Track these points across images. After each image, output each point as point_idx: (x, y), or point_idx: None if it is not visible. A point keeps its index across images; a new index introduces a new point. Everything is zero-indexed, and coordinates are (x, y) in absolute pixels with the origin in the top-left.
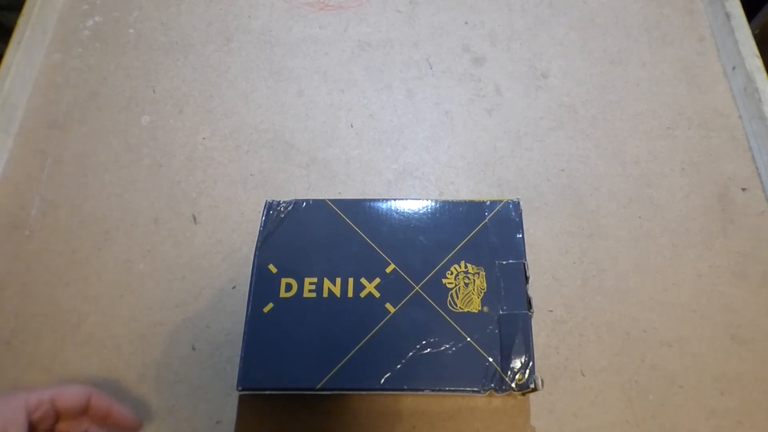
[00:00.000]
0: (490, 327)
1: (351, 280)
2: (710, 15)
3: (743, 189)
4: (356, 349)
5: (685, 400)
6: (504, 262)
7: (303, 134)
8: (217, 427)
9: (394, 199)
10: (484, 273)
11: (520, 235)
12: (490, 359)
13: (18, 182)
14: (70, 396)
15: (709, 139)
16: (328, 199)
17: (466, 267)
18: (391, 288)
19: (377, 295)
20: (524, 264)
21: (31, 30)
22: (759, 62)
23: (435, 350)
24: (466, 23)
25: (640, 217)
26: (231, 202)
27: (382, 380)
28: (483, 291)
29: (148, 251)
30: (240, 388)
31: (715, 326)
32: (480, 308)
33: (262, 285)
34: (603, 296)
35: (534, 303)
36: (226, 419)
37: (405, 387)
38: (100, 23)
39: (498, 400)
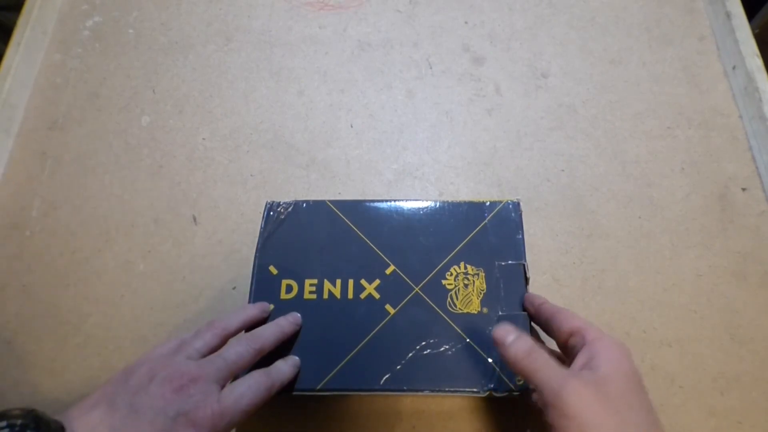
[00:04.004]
0: (490, 328)
1: (351, 282)
2: (710, 14)
3: (743, 189)
4: (356, 349)
5: (685, 400)
6: (504, 263)
7: (303, 134)
8: None
9: (394, 200)
10: (483, 274)
11: (520, 236)
12: (490, 360)
13: (18, 183)
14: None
15: (709, 139)
16: (328, 200)
17: (465, 268)
18: (391, 289)
19: (377, 296)
20: (524, 265)
21: (31, 30)
22: (759, 62)
23: (435, 351)
24: (466, 23)
25: (640, 217)
26: (231, 203)
27: (382, 381)
28: (482, 292)
29: (149, 252)
30: None
31: (715, 326)
32: (479, 309)
33: (262, 286)
34: (603, 296)
35: None
36: None
37: (405, 387)
38: (100, 23)
39: (497, 401)
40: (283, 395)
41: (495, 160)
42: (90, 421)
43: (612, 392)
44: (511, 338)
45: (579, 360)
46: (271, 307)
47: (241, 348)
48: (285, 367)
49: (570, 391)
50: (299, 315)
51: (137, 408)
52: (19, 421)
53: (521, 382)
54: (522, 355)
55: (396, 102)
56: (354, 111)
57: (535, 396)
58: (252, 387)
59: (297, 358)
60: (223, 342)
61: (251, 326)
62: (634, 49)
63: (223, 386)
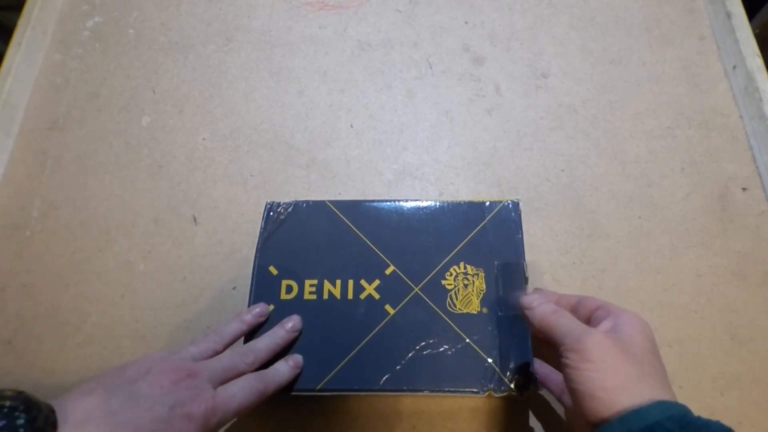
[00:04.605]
0: (489, 328)
1: (351, 282)
2: (711, 14)
3: (743, 189)
4: (356, 350)
5: (685, 400)
6: (503, 263)
7: (303, 134)
8: None
9: (394, 201)
10: (483, 274)
11: (520, 236)
12: (489, 360)
13: (19, 183)
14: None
15: (709, 139)
16: (328, 201)
17: (465, 268)
18: (391, 289)
19: (377, 296)
20: (524, 265)
21: (31, 31)
22: (760, 61)
23: (434, 351)
24: (466, 23)
25: (640, 217)
26: (231, 203)
27: (382, 381)
28: (482, 292)
29: (149, 252)
30: None
31: (715, 326)
32: (479, 309)
33: (262, 286)
34: (603, 296)
35: None
36: None
37: (405, 388)
38: (100, 23)
39: (497, 401)
40: (283, 395)
41: (495, 160)
42: (86, 406)
43: (633, 349)
44: (538, 302)
45: (603, 326)
46: (271, 307)
47: (236, 359)
48: (284, 368)
49: (592, 339)
50: (299, 319)
51: (135, 395)
52: (8, 403)
53: (520, 383)
54: (549, 312)
55: (396, 102)
56: (354, 111)
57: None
58: (244, 389)
59: (299, 357)
60: (216, 353)
61: (250, 331)
62: (634, 49)
63: (215, 388)
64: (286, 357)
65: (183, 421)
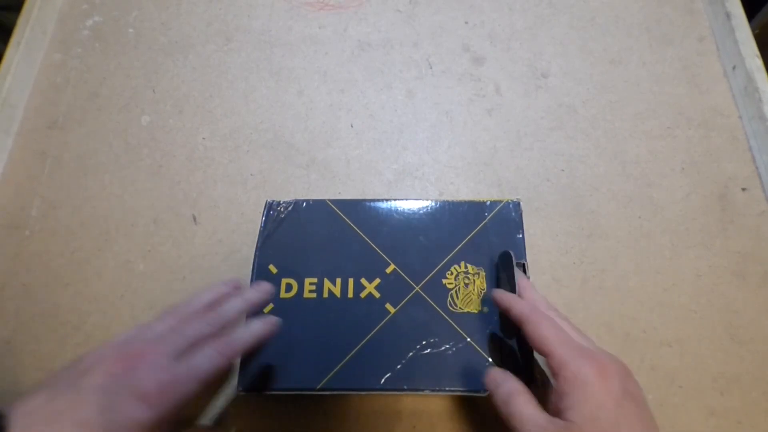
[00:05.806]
0: (490, 327)
1: (351, 281)
2: (710, 14)
3: (743, 189)
4: (356, 349)
5: (685, 400)
6: (503, 258)
7: (303, 134)
8: (218, 427)
9: (394, 200)
10: (484, 273)
11: (520, 236)
12: (490, 359)
13: (18, 183)
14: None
15: (709, 139)
16: (328, 200)
17: (466, 267)
18: (391, 288)
19: (377, 295)
20: (524, 264)
21: (30, 30)
22: (759, 62)
23: (435, 350)
24: (466, 23)
25: (640, 217)
26: (231, 203)
27: (382, 380)
28: (483, 291)
29: (149, 252)
30: (240, 389)
31: (715, 326)
32: (480, 308)
33: None
34: (603, 296)
35: None
36: (226, 419)
37: (405, 387)
38: (100, 23)
39: None
40: (256, 356)
41: (495, 160)
42: (30, 408)
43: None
44: (497, 383)
45: (553, 401)
46: (270, 306)
47: (200, 325)
48: (256, 325)
49: None
50: (269, 284)
51: (79, 388)
52: None
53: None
54: (501, 401)
55: (396, 102)
56: (354, 111)
57: None
58: (208, 355)
59: (277, 318)
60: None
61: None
62: (634, 49)
63: (181, 360)
64: (262, 318)
65: (135, 403)
